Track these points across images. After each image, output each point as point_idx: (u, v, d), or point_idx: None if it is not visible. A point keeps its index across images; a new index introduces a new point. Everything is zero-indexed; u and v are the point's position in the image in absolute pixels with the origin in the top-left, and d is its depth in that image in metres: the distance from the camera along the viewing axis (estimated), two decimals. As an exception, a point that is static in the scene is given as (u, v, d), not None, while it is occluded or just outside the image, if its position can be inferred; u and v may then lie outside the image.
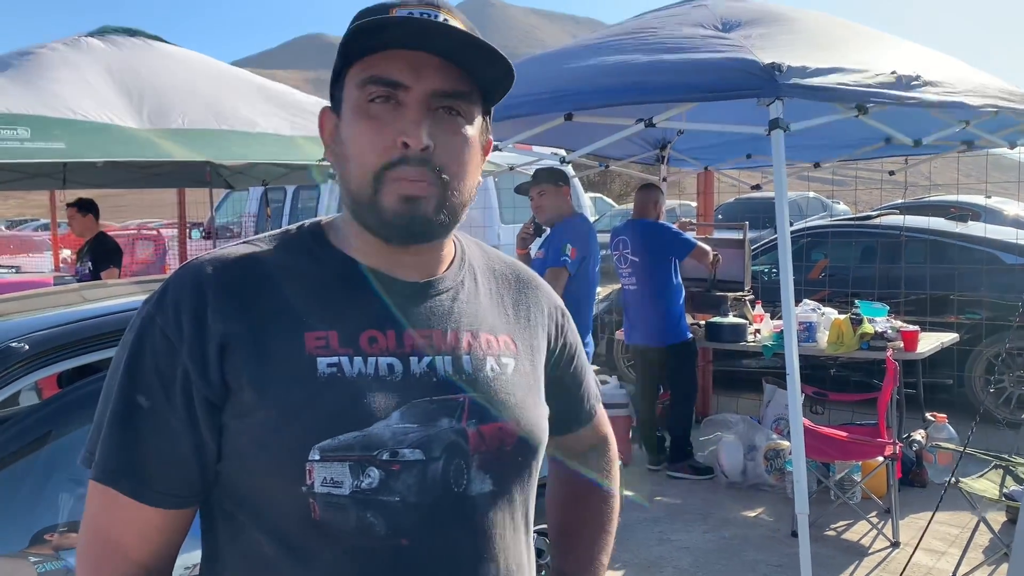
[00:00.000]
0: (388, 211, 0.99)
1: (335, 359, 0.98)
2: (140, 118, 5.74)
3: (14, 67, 5.73)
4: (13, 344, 1.99)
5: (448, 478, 1.00)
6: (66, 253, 13.17)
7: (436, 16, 0.98)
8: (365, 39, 0.97)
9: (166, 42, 6.82)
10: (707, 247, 5.43)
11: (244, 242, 1.07)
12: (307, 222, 1.11)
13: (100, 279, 5.83)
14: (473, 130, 1.03)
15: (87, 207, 6.21)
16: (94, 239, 6.14)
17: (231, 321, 0.97)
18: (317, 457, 0.94)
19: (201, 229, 11.69)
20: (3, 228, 27.16)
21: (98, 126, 5.45)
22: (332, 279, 1.04)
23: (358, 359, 0.99)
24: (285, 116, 6.66)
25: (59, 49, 6.03)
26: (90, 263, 6.00)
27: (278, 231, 1.10)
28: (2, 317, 2.51)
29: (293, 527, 0.96)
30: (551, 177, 4.57)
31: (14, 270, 12.12)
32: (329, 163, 1.10)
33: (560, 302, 1.27)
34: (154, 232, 14.02)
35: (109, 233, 7.09)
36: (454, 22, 0.98)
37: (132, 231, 14.57)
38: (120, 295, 2.79)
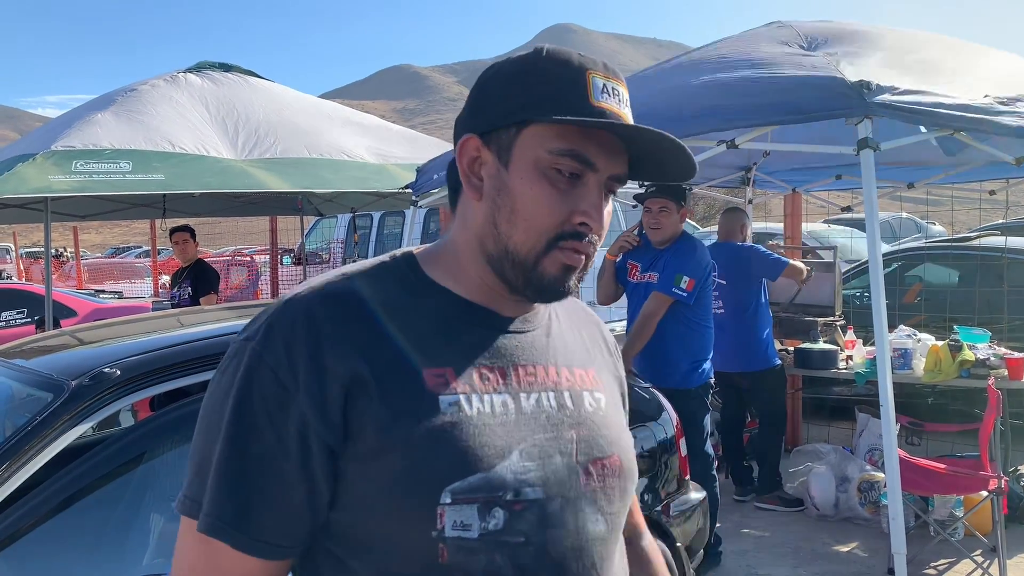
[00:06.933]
0: (546, 276, 1.00)
1: (455, 397, 0.96)
2: (235, 149, 5.98)
3: (118, 103, 6.06)
4: (106, 370, 2.05)
5: (566, 516, 0.98)
6: (165, 279, 13.77)
7: (618, 90, 1.00)
8: (572, 109, 0.96)
9: (260, 77, 7.09)
10: (800, 264, 5.25)
11: (342, 274, 1.03)
12: (399, 252, 1.09)
13: (199, 304, 6.06)
14: None
15: (194, 234, 6.48)
16: (194, 265, 6.40)
17: (352, 362, 0.93)
18: (448, 500, 0.91)
19: (292, 255, 12.07)
20: (87, 255, 28.44)
21: (195, 158, 5.70)
22: (437, 313, 1.01)
23: (475, 396, 0.97)
24: (374, 145, 6.84)
25: (159, 85, 6.35)
26: (189, 288, 6.25)
27: (372, 261, 1.07)
28: (99, 343, 2.63)
29: (417, 572, 0.93)
30: (676, 194, 4.06)
31: (117, 295, 12.73)
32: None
33: (613, 338, 1.26)
34: (247, 258, 14.54)
35: (205, 259, 7.38)
36: (625, 92, 1.01)
37: (227, 257, 15.13)
38: (212, 321, 2.89)
